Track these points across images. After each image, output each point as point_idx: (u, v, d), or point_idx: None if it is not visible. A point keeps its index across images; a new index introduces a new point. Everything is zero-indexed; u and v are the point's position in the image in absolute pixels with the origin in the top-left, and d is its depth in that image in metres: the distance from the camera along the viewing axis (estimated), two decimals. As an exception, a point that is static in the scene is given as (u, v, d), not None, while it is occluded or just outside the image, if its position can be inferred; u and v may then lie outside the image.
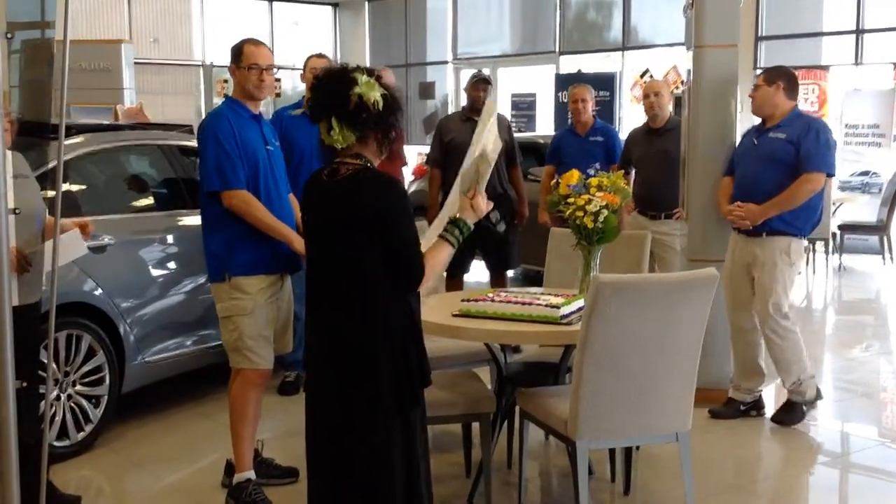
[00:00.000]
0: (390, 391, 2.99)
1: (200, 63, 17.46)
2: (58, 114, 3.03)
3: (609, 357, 3.53)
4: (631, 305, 3.48)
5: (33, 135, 4.22)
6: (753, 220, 5.19)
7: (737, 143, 5.59)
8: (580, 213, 4.16)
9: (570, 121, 7.64)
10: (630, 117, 13.06)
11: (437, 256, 3.07)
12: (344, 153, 3.02)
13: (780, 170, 5.16)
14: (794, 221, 5.19)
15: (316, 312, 3.10)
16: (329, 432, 3.08)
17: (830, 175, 5.30)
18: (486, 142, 3.27)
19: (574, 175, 4.27)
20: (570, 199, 4.20)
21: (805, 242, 5.33)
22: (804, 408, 5.41)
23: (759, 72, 12.19)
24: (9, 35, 2.70)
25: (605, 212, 4.14)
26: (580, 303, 3.87)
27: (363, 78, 2.98)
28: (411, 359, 3.04)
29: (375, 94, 2.97)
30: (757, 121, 5.44)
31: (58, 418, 4.73)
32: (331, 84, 3.01)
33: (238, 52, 4.23)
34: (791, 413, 5.39)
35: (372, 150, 3.05)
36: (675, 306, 3.56)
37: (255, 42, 4.26)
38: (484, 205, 3.23)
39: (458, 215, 3.18)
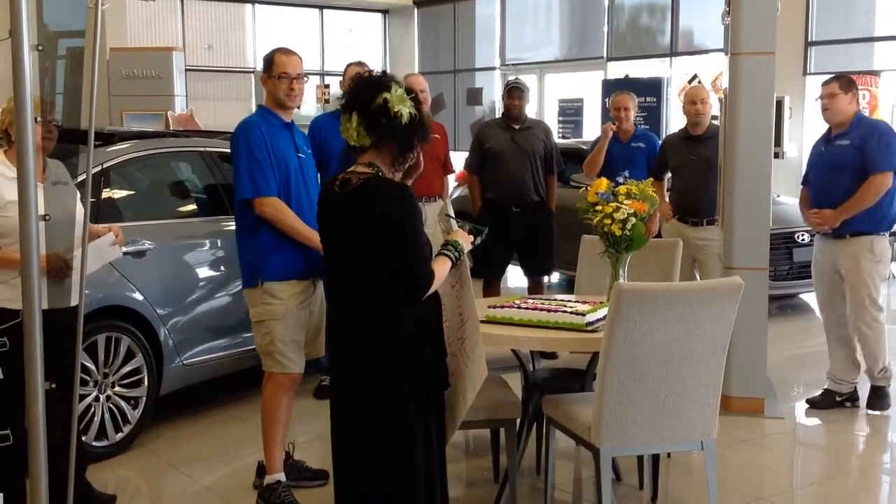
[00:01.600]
0: (409, 393, 3.05)
1: (253, 70, 17.68)
2: (102, 120, 3.12)
3: (632, 364, 3.53)
4: (653, 313, 3.48)
5: (75, 141, 4.33)
6: (830, 224, 5.55)
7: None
8: (608, 221, 4.17)
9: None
10: (678, 123, 12.94)
11: (440, 268, 3.15)
12: (358, 161, 3.10)
13: (849, 175, 5.51)
14: (870, 220, 5.51)
15: (335, 317, 3.17)
16: (350, 434, 3.14)
17: None
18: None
19: (602, 183, 4.28)
20: (598, 207, 4.21)
21: (887, 237, 5.64)
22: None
23: (813, 79, 12.12)
24: (40, 47, 2.78)
25: (633, 219, 4.16)
26: (606, 310, 3.87)
27: (397, 90, 3.07)
28: (429, 362, 3.10)
29: (402, 108, 3.05)
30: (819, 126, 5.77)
31: (96, 419, 4.84)
32: (364, 83, 3.13)
33: (269, 61, 4.31)
34: (884, 398, 5.72)
35: (385, 161, 3.11)
36: (699, 314, 3.55)
37: (285, 51, 4.33)
38: (467, 236, 3.34)
39: (455, 238, 3.28)
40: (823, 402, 5.76)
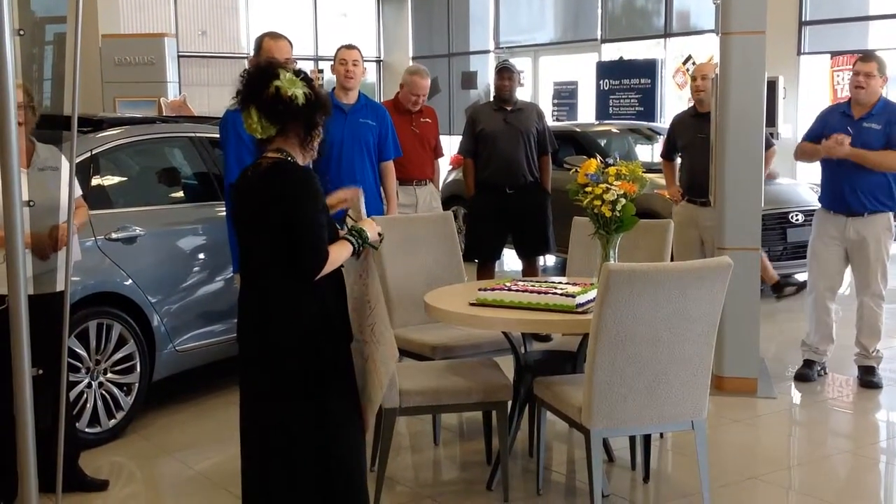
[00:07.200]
0: (295, 379, 3.11)
1: (246, 55, 17.62)
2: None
3: (621, 345, 3.54)
4: (642, 294, 3.49)
5: (62, 128, 4.31)
6: (844, 153, 5.55)
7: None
8: (598, 202, 4.17)
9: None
10: (672, 104, 12.93)
11: (338, 251, 3.16)
12: (268, 148, 3.14)
13: None
14: (888, 200, 5.70)
15: (240, 299, 3.25)
16: (247, 414, 3.27)
17: None
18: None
19: (592, 164, 4.27)
20: (588, 189, 4.21)
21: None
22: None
23: (807, 59, 12.08)
24: (21, 32, 2.76)
25: (623, 200, 4.15)
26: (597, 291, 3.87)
27: (286, 75, 3.10)
28: (321, 350, 3.14)
29: (295, 90, 3.07)
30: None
31: (89, 406, 4.84)
32: (254, 76, 3.14)
33: (258, 46, 4.31)
34: (877, 375, 5.82)
35: (293, 146, 3.14)
36: (688, 295, 3.55)
37: (273, 36, 4.32)
38: (375, 226, 3.33)
39: (361, 226, 3.29)
40: (811, 374, 5.91)
